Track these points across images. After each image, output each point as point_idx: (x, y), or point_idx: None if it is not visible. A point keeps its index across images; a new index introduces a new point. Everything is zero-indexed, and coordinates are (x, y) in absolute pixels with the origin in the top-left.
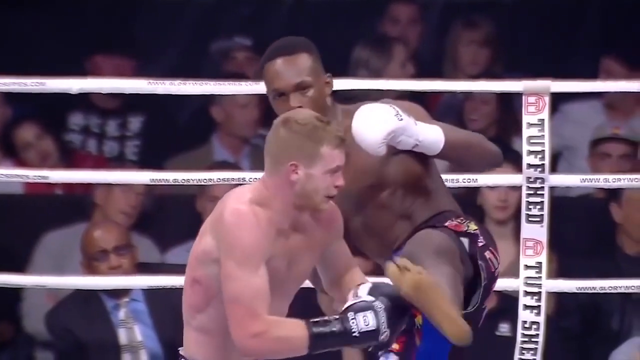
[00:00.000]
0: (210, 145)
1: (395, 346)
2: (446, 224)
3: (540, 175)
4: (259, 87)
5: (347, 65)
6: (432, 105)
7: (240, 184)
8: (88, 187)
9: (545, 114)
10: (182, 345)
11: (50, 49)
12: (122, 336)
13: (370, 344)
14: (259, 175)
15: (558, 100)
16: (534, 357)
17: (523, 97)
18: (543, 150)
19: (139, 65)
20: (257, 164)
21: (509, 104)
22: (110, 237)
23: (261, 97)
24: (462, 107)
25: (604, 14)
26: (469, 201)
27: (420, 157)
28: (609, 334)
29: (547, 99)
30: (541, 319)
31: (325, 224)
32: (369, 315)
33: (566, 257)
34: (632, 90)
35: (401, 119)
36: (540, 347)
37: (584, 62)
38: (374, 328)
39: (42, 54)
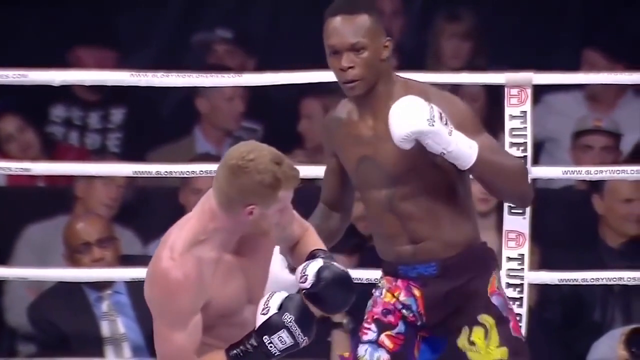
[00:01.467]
0: (192, 138)
1: (388, 344)
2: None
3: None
4: (242, 80)
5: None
6: None
7: None
8: (70, 179)
9: (527, 106)
10: None
11: (32, 41)
12: (105, 328)
13: (293, 351)
14: None
15: (540, 91)
16: None
17: (505, 89)
18: (525, 142)
19: (120, 57)
20: None
21: (498, 101)
22: (93, 230)
23: (246, 90)
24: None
25: (585, 5)
26: None
27: (456, 172)
28: (590, 325)
29: (529, 91)
30: (523, 310)
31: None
32: (284, 334)
33: (548, 249)
34: (613, 82)
35: (432, 124)
36: None
37: (566, 54)
38: (292, 344)
39: (24, 46)
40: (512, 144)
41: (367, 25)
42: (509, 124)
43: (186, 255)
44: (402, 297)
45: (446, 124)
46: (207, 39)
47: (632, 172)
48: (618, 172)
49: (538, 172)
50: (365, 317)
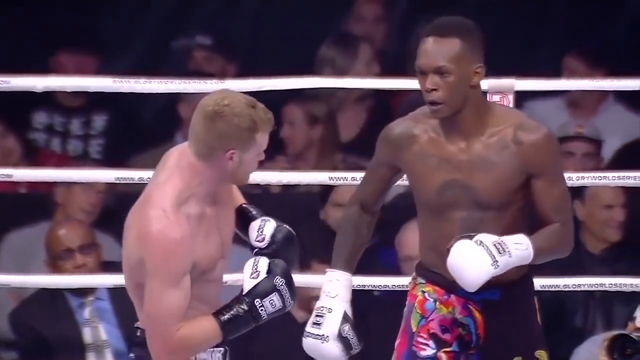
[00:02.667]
0: (174, 144)
1: (444, 358)
2: None
3: None
4: (224, 86)
5: (312, 64)
6: (396, 103)
7: None
8: (52, 185)
9: None
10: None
11: (15, 47)
12: (87, 335)
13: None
14: None
15: (522, 98)
16: None
17: (488, 95)
18: None
19: (102, 63)
20: None
21: None
22: (75, 236)
23: None
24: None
25: (566, 12)
26: None
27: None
28: (572, 331)
29: (511, 97)
30: None
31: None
32: (275, 298)
33: None
34: (594, 89)
35: (497, 266)
36: None
37: (548, 61)
38: (281, 307)
39: (6, 52)
40: None
41: (455, 50)
42: None
43: (178, 214)
44: (458, 315)
45: (503, 250)
46: (187, 45)
47: (614, 178)
48: (600, 178)
49: None
50: (416, 331)
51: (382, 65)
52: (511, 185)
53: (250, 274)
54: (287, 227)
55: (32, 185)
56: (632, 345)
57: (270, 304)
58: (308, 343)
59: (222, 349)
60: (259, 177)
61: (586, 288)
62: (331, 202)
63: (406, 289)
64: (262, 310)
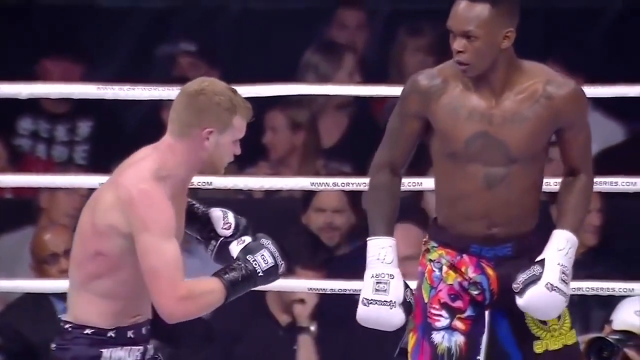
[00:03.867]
0: None
1: (461, 326)
2: None
3: None
4: None
5: (294, 71)
6: (377, 110)
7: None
8: (37, 191)
9: None
10: None
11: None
12: None
13: (273, 279)
14: (207, 179)
15: None
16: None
17: None
18: None
19: (86, 70)
20: None
21: None
22: (60, 241)
23: None
24: None
25: (545, 19)
26: (414, 204)
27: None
28: None
29: None
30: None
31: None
32: (266, 253)
33: None
34: None
35: (568, 300)
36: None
37: None
38: (273, 264)
39: None
40: None
41: (484, 16)
42: None
43: (158, 183)
44: (471, 274)
45: (567, 276)
46: (171, 52)
47: None
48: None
49: None
50: (428, 302)
51: (364, 72)
52: (539, 138)
53: (222, 225)
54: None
55: (17, 190)
56: (609, 348)
57: (262, 259)
58: (371, 310)
59: (141, 347)
60: (241, 182)
61: None
62: (313, 207)
63: None
64: (255, 264)
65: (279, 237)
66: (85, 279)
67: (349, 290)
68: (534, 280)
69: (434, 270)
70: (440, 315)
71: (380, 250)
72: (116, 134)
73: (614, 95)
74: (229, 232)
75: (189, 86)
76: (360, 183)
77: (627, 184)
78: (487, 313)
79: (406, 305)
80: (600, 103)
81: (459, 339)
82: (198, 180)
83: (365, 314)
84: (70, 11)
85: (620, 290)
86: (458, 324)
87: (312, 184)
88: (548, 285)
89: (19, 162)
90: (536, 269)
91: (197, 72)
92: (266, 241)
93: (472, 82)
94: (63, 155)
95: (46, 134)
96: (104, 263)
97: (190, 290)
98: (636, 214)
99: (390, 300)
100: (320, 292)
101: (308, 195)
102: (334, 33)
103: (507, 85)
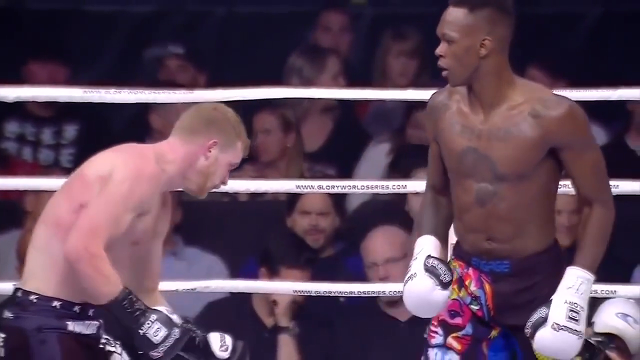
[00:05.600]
0: None
1: (456, 346)
2: None
3: None
4: (193, 96)
5: (279, 74)
6: (362, 113)
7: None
8: (23, 194)
9: None
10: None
11: None
12: None
13: (142, 348)
14: None
15: None
16: None
17: None
18: None
19: (73, 73)
20: None
21: None
22: None
23: None
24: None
25: (526, 24)
26: (398, 207)
27: (552, 181)
28: None
29: None
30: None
31: (167, 213)
32: (162, 332)
33: None
34: None
35: (582, 333)
36: None
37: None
38: (154, 342)
39: None
40: None
41: (460, 20)
42: None
43: (155, 165)
44: (473, 287)
45: (577, 312)
46: (159, 54)
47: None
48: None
49: None
50: (432, 318)
51: (348, 75)
52: (527, 157)
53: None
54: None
55: (3, 193)
56: (590, 350)
57: (155, 329)
58: (404, 290)
59: (97, 322)
60: (227, 185)
61: None
62: (298, 210)
63: (370, 296)
64: (148, 324)
65: (263, 239)
66: (63, 236)
67: (334, 292)
68: (541, 322)
69: None
70: (436, 332)
71: (416, 247)
72: (102, 137)
73: (596, 99)
74: (225, 355)
75: (202, 104)
76: (344, 186)
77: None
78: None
79: (432, 271)
80: (583, 107)
81: (452, 357)
82: None
83: (404, 295)
84: (56, 15)
85: (603, 292)
86: (453, 342)
87: (298, 186)
88: (554, 326)
89: (5, 165)
90: (542, 310)
91: (185, 74)
92: (176, 333)
93: (467, 98)
94: (49, 159)
95: (32, 137)
96: None
97: (100, 255)
98: (616, 216)
99: (413, 273)
100: (306, 294)
101: (293, 198)
102: (318, 36)
103: (497, 101)
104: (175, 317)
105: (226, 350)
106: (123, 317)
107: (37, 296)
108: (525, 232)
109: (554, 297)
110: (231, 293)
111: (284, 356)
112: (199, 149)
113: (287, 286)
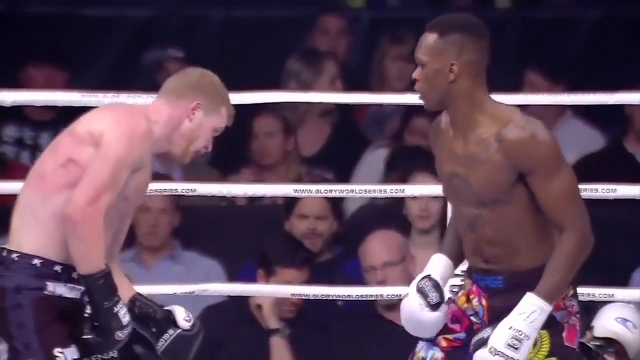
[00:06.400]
0: None
1: (443, 344)
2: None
3: None
4: None
5: (278, 77)
6: (359, 117)
7: (173, 195)
8: None
9: None
10: None
11: None
12: None
13: (107, 328)
14: (190, 186)
15: None
16: None
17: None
18: None
19: (71, 77)
20: (188, 175)
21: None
22: None
23: None
24: (403, 120)
25: (524, 28)
26: (396, 211)
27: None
28: None
29: None
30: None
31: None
32: (127, 317)
33: None
34: (553, 103)
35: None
36: None
37: (509, 75)
38: (123, 323)
39: None
40: None
41: (430, 44)
42: None
43: (146, 124)
44: (475, 303)
45: (519, 341)
46: (159, 58)
47: None
48: None
49: None
50: None
51: (345, 79)
52: (498, 182)
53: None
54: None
55: (2, 198)
56: (588, 354)
57: (123, 313)
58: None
59: (81, 288)
60: (225, 189)
61: None
62: (296, 214)
63: (368, 299)
64: (119, 306)
65: (261, 243)
66: (47, 192)
67: (332, 295)
68: (483, 342)
69: (453, 292)
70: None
71: (428, 264)
72: None
73: (594, 103)
74: (188, 325)
75: (188, 69)
76: (342, 190)
77: (607, 190)
78: None
79: (421, 292)
80: (581, 111)
81: (437, 354)
82: (182, 188)
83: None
84: (54, 19)
85: (601, 296)
86: (442, 341)
87: (296, 190)
88: (492, 350)
89: (3, 169)
90: (487, 331)
91: None
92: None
93: (450, 122)
94: None
95: (30, 141)
96: (74, 171)
97: (96, 222)
98: (614, 220)
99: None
100: (304, 297)
101: (291, 202)
102: (316, 40)
103: (471, 126)
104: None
105: (190, 321)
106: (99, 293)
107: (18, 254)
108: (517, 253)
109: (503, 320)
110: (229, 296)
111: (276, 358)
112: (183, 112)
113: (285, 289)
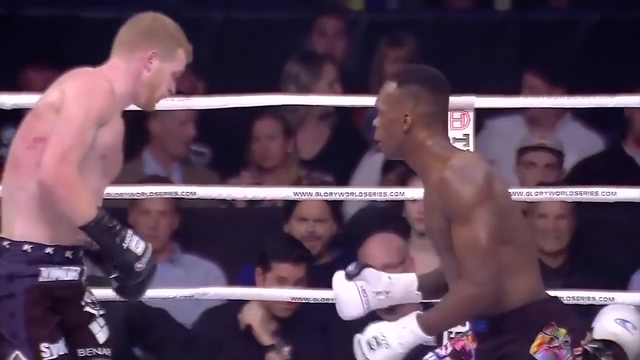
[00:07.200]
0: (141, 159)
1: None
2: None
3: None
4: (191, 103)
5: (276, 79)
6: (358, 120)
7: (173, 198)
8: None
9: (470, 129)
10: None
11: None
12: None
13: (124, 264)
14: (190, 189)
15: (483, 115)
16: None
17: (448, 112)
18: None
19: None
20: (188, 178)
21: None
22: None
23: (198, 113)
24: None
25: (522, 30)
26: (395, 214)
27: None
28: None
29: (471, 114)
30: (465, 329)
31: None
32: (141, 244)
33: None
34: (552, 106)
35: None
36: None
37: (508, 78)
38: (138, 254)
39: None
40: None
41: (387, 93)
42: None
43: (102, 79)
44: (470, 344)
45: (378, 344)
46: None
47: (571, 193)
48: (557, 193)
49: None
50: (446, 342)
51: (344, 81)
52: (443, 227)
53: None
54: None
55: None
56: (586, 357)
57: (136, 242)
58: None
59: (78, 267)
60: (225, 192)
61: None
62: (295, 217)
63: None
64: (129, 237)
65: (261, 245)
66: (22, 177)
67: (331, 299)
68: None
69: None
70: (445, 346)
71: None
72: None
73: (594, 106)
74: (140, 251)
75: (139, 15)
76: (342, 193)
77: (607, 193)
78: None
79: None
80: (580, 113)
81: None
82: (182, 191)
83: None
84: (53, 22)
85: (601, 299)
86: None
87: (295, 193)
88: (357, 338)
89: (3, 172)
90: (369, 326)
91: (184, 80)
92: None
93: None
94: None
95: None
96: (42, 148)
97: (73, 175)
98: (614, 223)
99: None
100: (303, 300)
101: (290, 205)
102: (314, 41)
103: (427, 174)
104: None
105: (137, 247)
106: (104, 236)
107: (9, 242)
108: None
109: (383, 322)
110: (229, 300)
111: None
112: (140, 64)
113: (285, 293)
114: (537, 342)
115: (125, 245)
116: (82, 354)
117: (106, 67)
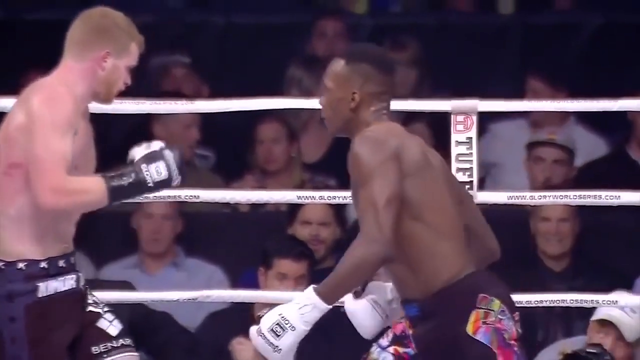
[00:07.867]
0: None
1: (392, 351)
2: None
3: (469, 192)
4: (194, 107)
5: (279, 83)
6: None
7: (176, 202)
8: None
9: (473, 133)
10: None
11: None
12: None
13: (164, 189)
14: (194, 192)
15: (487, 119)
16: None
17: (451, 116)
18: (471, 168)
19: None
20: (190, 181)
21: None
22: None
23: (201, 117)
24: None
25: (525, 33)
26: None
27: (412, 220)
28: (532, 344)
29: (474, 117)
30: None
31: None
32: (161, 165)
33: (492, 271)
34: (556, 110)
35: (281, 350)
36: None
37: (511, 82)
38: (166, 177)
39: None
40: (459, 169)
41: (336, 70)
42: (455, 150)
43: (59, 86)
44: (408, 328)
45: (283, 329)
46: (165, 63)
47: (575, 196)
48: (561, 197)
49: (483, 197)
50: (388, 330)
51: None
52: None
53: (140, 148)
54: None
55: None
56: None
57: (155, 170)
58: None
59: (73, 275)
60: (228, 196)
61: (548, 304)
62: (299, 220)
63: None
64: (147, 174)
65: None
66: (7, 202)
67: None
68: (258, 322)
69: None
70: (386, 336)
71: None
72: (102, 148)
73: (597, 110)
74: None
75: (89, 11)
76: (345, 196)
77: (611, 197)
78: None
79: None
80: (584, 117)
81: (388, 357)
82: (185, 194)
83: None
84: (55, 25)
85: (604, 302)
86: (394, 349)
87: (299, 197)
88: (258, 329)
89: None
90: (264, 311)
91: (189, 84)
92: (168, 153)
93: None
94: None
95: None
96: (19, 175)
97: (66, 185)
98: (617, 227)
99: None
100: None
101: (294, 208)
102: (315, 44)
103: None
104: (149, 146)
105: (160, 174)
106: (128, 193)
107: (3, 262)
108: (414, 275)
109: (279, 306)
110: (232, 303)
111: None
112: (94, 64)
113: (287, 295)
114: (471, 319)
115: (151, 184)
116: (96, 351)
117: (62, 71)
